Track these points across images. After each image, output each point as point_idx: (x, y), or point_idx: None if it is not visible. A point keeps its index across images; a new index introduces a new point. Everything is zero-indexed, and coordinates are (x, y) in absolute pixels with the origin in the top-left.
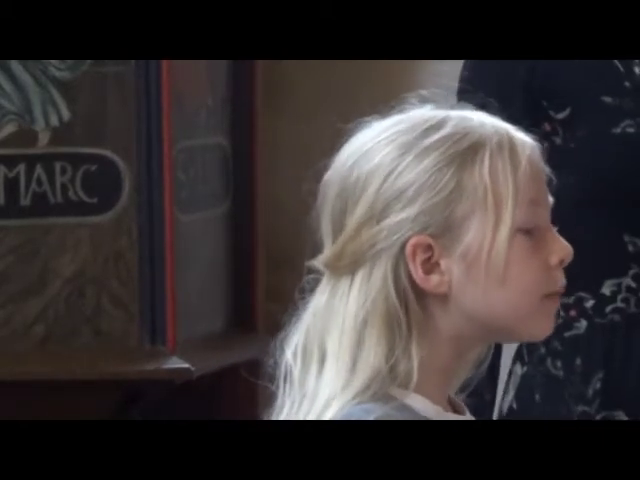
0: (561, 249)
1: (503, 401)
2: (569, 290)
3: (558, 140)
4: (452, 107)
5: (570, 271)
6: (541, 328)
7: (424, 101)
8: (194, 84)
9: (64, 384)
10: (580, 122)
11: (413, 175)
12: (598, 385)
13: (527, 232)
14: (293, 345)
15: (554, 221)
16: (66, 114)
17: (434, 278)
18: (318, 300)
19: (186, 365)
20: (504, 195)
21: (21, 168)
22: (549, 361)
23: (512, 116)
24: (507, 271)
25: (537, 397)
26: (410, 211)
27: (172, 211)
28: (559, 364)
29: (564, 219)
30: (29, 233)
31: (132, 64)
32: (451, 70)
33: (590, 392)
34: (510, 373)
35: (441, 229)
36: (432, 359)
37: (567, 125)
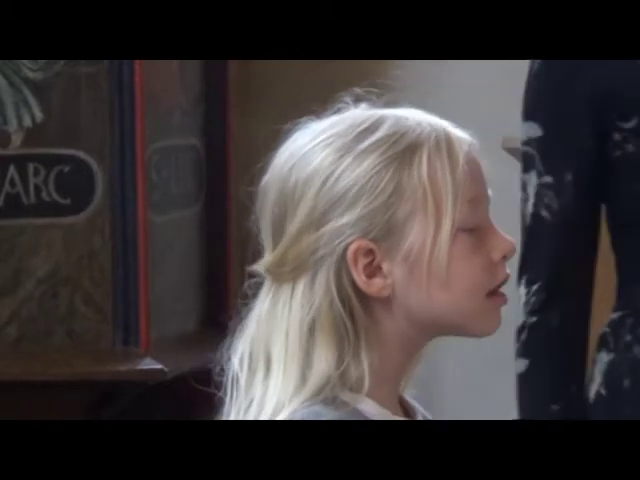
0: (504, 244)
1: (588, 388)
2: None
3: (631, 147)
4: (387, 105)
5: None
6: (488, 324)
7: (359, 99)
8: (167, 85)
9: (37, 384)
10: None
11: (351, 179)
12: None
13: (468, 231)
14: (239, 353)
15: (636, 222)
16: (39, 115)
17: (377, 282)
18: (260, 307)
19: (159, 366)
20: (443, 196)
21: None
22: (636, 348)
23: (579, 132)
24: (450, 272)
25: (626, 383)
26: (350, 216)
27: (145, 212)
28: None
29: None
30: (2, 234)
31: (105, 65)
32: (429, 71)
33: None
34: (594, 361)
35: (382, 233)
36: (383, 362)
37: (637, 133)
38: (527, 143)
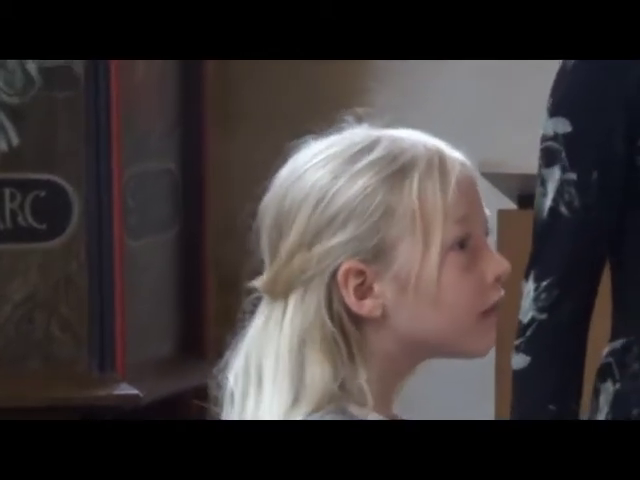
0: (497, 266)
1: (595, 419)
2: None
3: None
4: (388, 125)
5: None
6: (480, 345)
7: (360, 119)
8: (144, 109)
9: (13, 410)
10: None
11: (343, 201)
12: None
13: (460, 249)
14: (234, 369)
15: None
16: (15, 139)
17: (367, 303)
18: (256, 324)
19: (135, 391)
20: (432, 217)
21: None
22: None
23: (610, 132)
24: (440, 292)
25: (635, 412)
26: (341, 237)
27: (121, 236)
28: None
29: None
30: None
31: (81, 89)
32: (406, 94)
33: None
34: (597, 391)
35: (372, 254)
36: (380, 380)
37: None
38: (553, 138)
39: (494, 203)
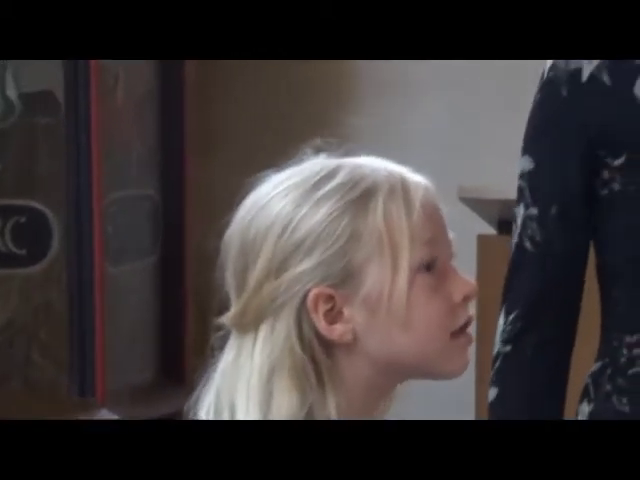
0: (464, 286)
1: None
2: (633, 328)
3: (617, 186)
4: (346, 154)
5: (635, 311)
6: (454, 365)
7: (319, 150)
8: (124, 135)
9: None
10: (638, 166)
11: (309, 227)
12: None
13: (427, 271)
14: (205, 405)
15: (619, 261)
16: None
17: (338, 327)
18: (225, 359)
19: (115, 417)
20: (399, 239)
21: None
22: (615, 397)
23: (568, 166)
24: (410, 314)
25: None
26: (308, 263)
27: (102, 262)
28: (624, 400)
29: (630, 259)
30: None
31: (61, 115)
32: (385, 121)
33: None
34: (577, 413)
35: (340, 278)
36: (350, 406)
37: (625, 171)
38: (520, 176)
39: (474, 228)
